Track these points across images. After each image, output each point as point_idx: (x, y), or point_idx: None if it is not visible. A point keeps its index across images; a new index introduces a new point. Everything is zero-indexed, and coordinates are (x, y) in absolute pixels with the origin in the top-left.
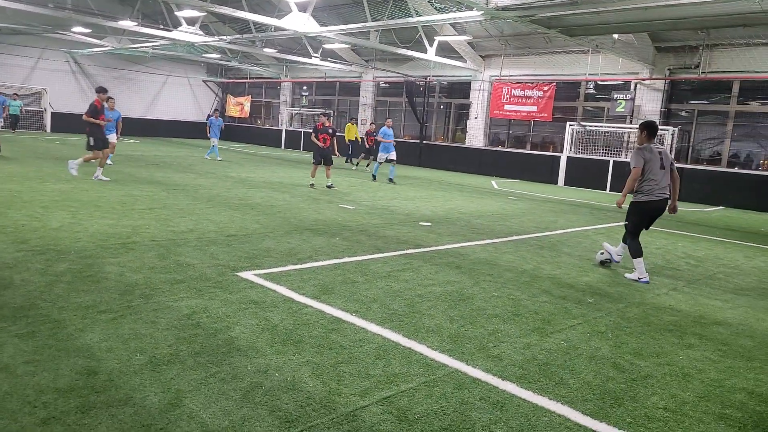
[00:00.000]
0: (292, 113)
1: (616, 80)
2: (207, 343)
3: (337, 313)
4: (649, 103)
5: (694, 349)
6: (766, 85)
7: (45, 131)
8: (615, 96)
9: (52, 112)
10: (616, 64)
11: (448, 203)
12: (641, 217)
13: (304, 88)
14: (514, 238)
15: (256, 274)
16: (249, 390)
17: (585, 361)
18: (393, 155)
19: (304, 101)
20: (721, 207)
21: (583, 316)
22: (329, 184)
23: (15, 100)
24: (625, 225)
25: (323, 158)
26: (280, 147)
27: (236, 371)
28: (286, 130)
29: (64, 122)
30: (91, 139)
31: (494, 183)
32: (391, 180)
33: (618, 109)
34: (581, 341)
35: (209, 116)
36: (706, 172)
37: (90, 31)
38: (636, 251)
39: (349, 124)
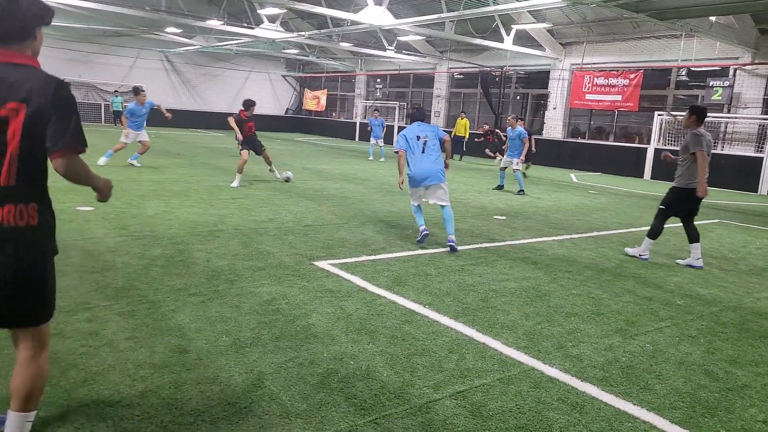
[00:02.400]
0: (366, 106)
1: (713, 66)
2: (286, 329)
3: (410, 305)
4: (750, 90)
5: None
6: None
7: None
8: (711, 83)
9: None
10: (713, 49)
11: (524, 197)
12: (682, 203)
13: (378, 80)
14: (595, 234)
15: (331, 264)
16: (325, 376)
17: (673, 367)
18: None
19: (378, 93)
20: None
21: (672, 319)
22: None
23: (117, 96)
24: (661, 209)
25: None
26: (354, 139)
27: (313, 357)
28: (360, 123)
29: (158, 117)
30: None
31: (573, 176)
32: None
33: (714, 98)
34: (669, 345)
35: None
36: None
37: (181, 31)
38: (656, 233)
39: (460, 118)
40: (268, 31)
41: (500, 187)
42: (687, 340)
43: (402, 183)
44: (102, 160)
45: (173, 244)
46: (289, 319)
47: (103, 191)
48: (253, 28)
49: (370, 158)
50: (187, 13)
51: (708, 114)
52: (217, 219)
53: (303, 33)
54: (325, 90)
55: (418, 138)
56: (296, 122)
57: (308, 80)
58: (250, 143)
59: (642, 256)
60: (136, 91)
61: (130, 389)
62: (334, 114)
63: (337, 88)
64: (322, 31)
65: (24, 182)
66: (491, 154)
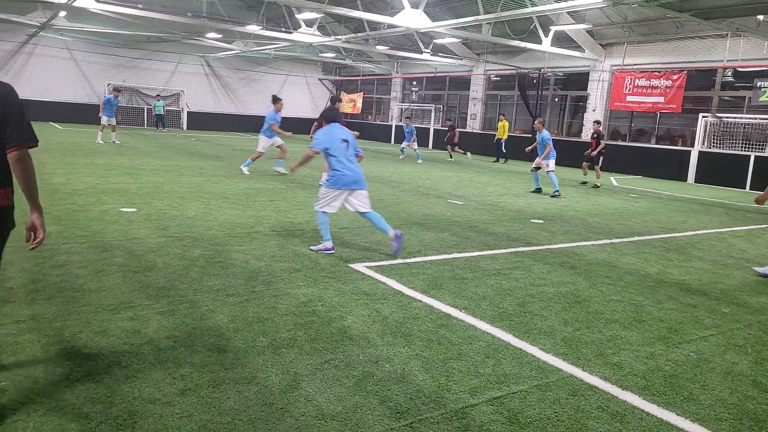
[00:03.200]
0: (401, 108)
1: (760, 66)
2: (322, 331)
3: (445, 309)
4: None
5: None
6: None
7: (182, 129)
8: (758, 84)
9: (188, 111)
10: (761, 48)
11: (561, 200)
12: None
13: (414, 83)
14: (636, 238)
15: (367, 266)
16: (361, 378)
17: (719, 377)
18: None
19: (414, 96)
20: None
21: (717, 327)
22: None
23: (159, 101)
24: None
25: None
26: (390, 142)
27: (349, 359)
28: (395, 126)
29: (199, 120)
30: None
31: (613, 179)
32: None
33: (762, 98)
34: (714, 354)
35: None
36: None
37: (221, 36)
38: None
39: (501, 121)
40: (306, 35)
41: (538, 190)
42: (733, 349)
43: (298, 167)
44: (245, 170)
45: (212, 245)
46: (325, 321)
47: (35, 221)
48: (290, 33)
49: (401, 156)
50: (227, 19)
51: (754, 116)
52: (254, 221)
53: (340, 36)
54: (362, 93)
55: (343, 141)
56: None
57: (344, 83)
58: None
59: None
60: (275, 99)
61: (170, 387)
62: (370, 117)
63: (373, 91)
64: (359, 34)
65: None
66: (460, 151)
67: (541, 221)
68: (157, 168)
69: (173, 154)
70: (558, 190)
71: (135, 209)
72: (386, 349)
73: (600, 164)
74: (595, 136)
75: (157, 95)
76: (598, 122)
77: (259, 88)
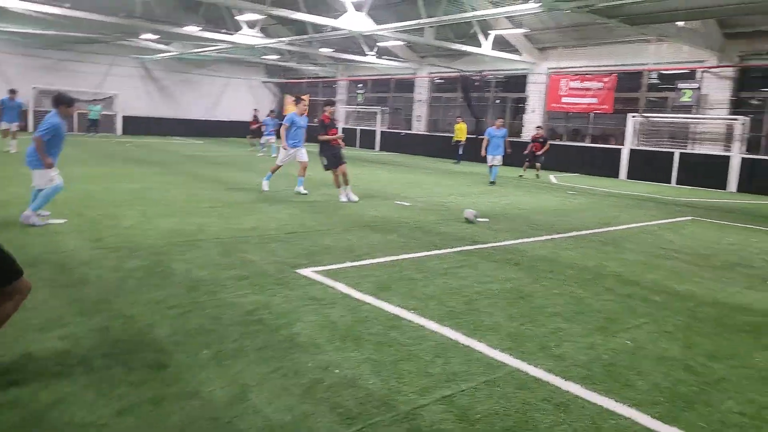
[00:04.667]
0: (347, 111)
1: (681, 69)
2: (269, 339)
3: (395, 311)
4: (717, 92)
5: None
6: None
7: (116, 134)
8: (679, 85)
9: (123, 116)
10: (681, 53)
11: (505, 198)
12: None
13: (360, 85)
14: (575, 234)
15: (315, 271)
16: (310, 386)
17: (653, 363)
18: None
19: (359, 98)
20: None
21: (650, 315)
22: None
23: (96, 105)
24: None
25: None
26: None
27: (298, 367)
28: (342, 128)
29: (135, 125)
30: (324, 158)
31: (553, 177)
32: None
33: (683, 99)
34: (648, 341)
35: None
36: None
37: (158, 37)
38: None
39: (459, 123)
40: (247, 37)
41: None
42: (665, 336)
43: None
44: (265, 185)
45: (151, 255)
46: (273, 328)
47: None
48: (231, 34)
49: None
50: (163, 20)
51: (676, 115)
52: (196, 228)
53: (283, 39)
54: (307, 95)
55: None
56: (277, 128)
57: (289, 86)
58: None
59: None
60: (298, 99)
61: (105, 409)
62: (316, 120)
63: (318, 93)
64: (302, 37)
65: None
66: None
67: (486, 220)
68: (89, 176)
69: (107, 161)
70: (493, 181)
71: (64, 220)
72: (336, 355)
73: (542, 162)
74: (541, 140)
75: (93, 99)
76: (540, 127)
77: (199, 91)
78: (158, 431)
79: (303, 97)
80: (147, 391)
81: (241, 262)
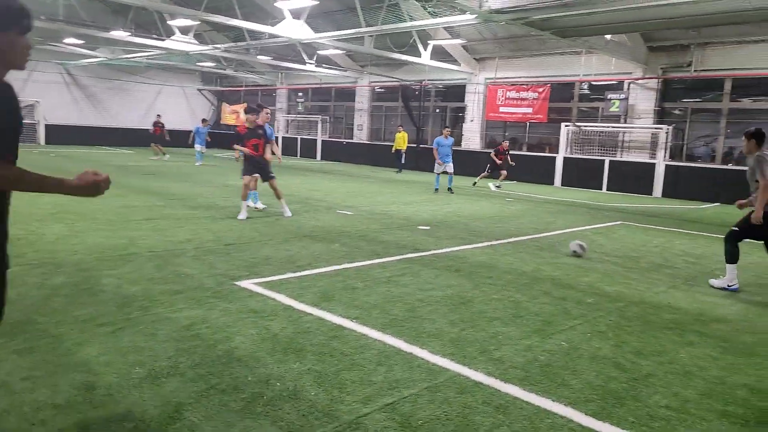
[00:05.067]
0: (288, 120)
1: (610, 80)
2: (207, 354)
3: (337, 320)
4: (643, 102)
5: (695, 346)
6: (757, 81)
7: (39, 143)
8: (609, 96)
9: (46, 124)
10: (610, 65)
11: (446, 206)
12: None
13: (300, 94)
14: (513, 239)
15: (255, 283)
16: (250, 401)
17: (586, 362)
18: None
19: (300, 107)
20: (716, 204)
21: (584, 317)
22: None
23: None
24: (734, 231)
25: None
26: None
27: (237, 382)
28: (282, 137)
29: (59, 134)
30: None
31: (491, 185)
32: (450, 189)
33: (612, 109)
34: (582, 341)
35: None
36: (700, 170)
37: (83, 42)
38: (734, 256)
39: (399, 132)
40: (181, 43)
41: (449, 190)
42: (597, 335)
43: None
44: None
45: (78, 271)
46: (210, 344)
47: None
48: (163, 40)
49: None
50: (88, 23)
51: (606, 125)
52: (128, 242)
53: (218, 46)
54: (245, 104)
55: None
56: (215, 138)
57: (226, 94)
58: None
59: (731, 287)
60: (256, 109)
61: None
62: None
63: (258, 102)
64: (239, 44)
65: None
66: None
67: (427, 227)
68: None
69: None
70: (437, 188)
71: None
72: (277, 367)
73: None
74: (507, 152)
75: None
76: (506, 141)
77: (131, 99)
78: None
79: (265, 107)
80: (74, 414)
81: (176, 276)
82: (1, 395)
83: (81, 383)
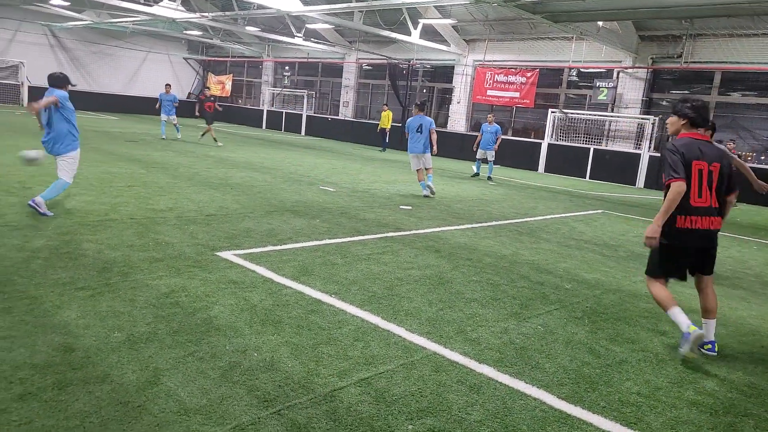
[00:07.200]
0: (273, 93)
1: (599, 68)
2: (185, 322)
3: (316, 295)
4: (631, 92)
5: (668, 336)
6: (747, 76)
7: (22, 105)
8: (597, 84)
9: (29, 86)
10: (600, 52)
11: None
12: None
13: (287, 68)
14: (494, 223)
15: (235, 254)
16: (227, 369)
17: (561, 346)
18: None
19: (286, 81)
20: None
21: (561, 302)
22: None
23: None
24: None
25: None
26: (261, 127)
27: (215, 350)
28: (267, 111)
29: (42, 96)
30: None
31: (475, 167)
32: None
33: (600, 97)
34: (558, 326)
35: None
36: None
37: (69, 3)
38: None
39: (384, 111)
40: (168, 9)
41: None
42: (573, 321)
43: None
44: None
45: (58, 235)
46: (189, 312)
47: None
48: (150, 5)
49: (163, 137)
50: None
51: (593, 113)
52: (109, 207)
53: (206, 14)
54: (231, 75)
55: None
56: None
57: (212, 64)
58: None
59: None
60: (422, 106)
61: (5, 393)
62: (240, 100)
63: (244, 73)
64: (227, 13)
65: None
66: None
67: (409, 207)
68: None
69: (9, 134)
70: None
71: None
72: (254, 338)
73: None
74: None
75: None
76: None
77: (115, 64)
78: (62, 417)
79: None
80: (52, 375)
81: (156, 244)
82: None
83: (59, 345)
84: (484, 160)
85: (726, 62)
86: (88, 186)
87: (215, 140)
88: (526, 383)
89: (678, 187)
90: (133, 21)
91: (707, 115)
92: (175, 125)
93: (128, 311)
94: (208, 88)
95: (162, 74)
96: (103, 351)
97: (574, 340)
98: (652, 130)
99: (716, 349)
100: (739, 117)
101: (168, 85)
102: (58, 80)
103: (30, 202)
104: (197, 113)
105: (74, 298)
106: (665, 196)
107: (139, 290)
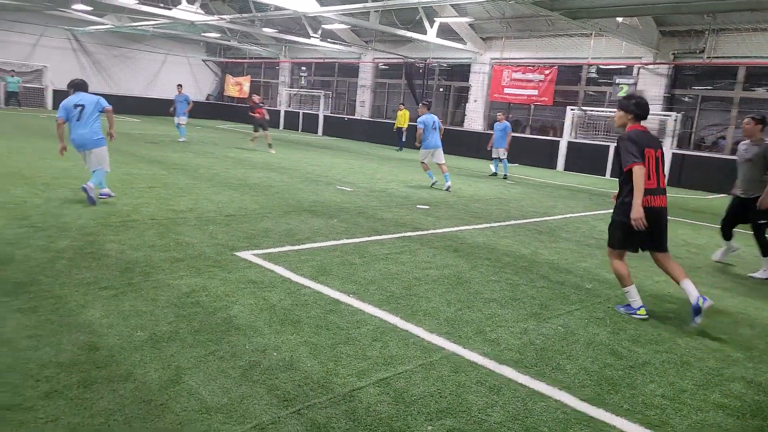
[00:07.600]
0: (290, 94)
1: (619, 65)
2: (206, 321)
3: (334, 295)
4: (652, 88)
5: (693, 337)
6: None
7: (46, 108)
8: (617, 80)
9: (53, 90)
10: (619, 48)
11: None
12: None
13: (303, 68)
14: (513, 222)
15: (254, 254)
16: (247, 368)
17: (582, 347)
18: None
19: (302, 81)
20: (723, 194)
21: (581, 302)
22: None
23: (12, 77)
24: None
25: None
26: (278, 128)
27: (235, 350)
28: (284, 111)
29: (66, 97)
30: None
31: (492, 167)
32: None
33: (620, 94)
34: (579, 327)
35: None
36: (708, 159)
37: (91, 8)
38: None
39: (401, 110)
40: (187, 12)
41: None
42: (595, 321)
43: (63, 149)
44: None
45: (82, 236)
46: (210, 311)
47: None
48: (170, 9)
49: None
50: None
51: (613, 110)
52: (131, 208)
53: (224, 16)
54: (248, 76)
55: (75, 106)
56: (217, 109)
57: (230, 66)
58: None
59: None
60: (429, 105)
61: (32, 391)
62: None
63: (261, 74)
64: (244, 15)
65: None
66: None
67: (426, 207)
68: (13, 151)
69: (34, 136)
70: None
71: None
72: (274, 338)
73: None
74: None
75: (12, 70)
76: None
77: (136, 67)
78: (88, 414)
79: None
80: (77, 373)
81: (177, 244)
82: (7, 352)
83: (84, 343)
84: (500, 159)
85: (750, 57)
86: (110, 187)
87: (270, 146)
88: (547, 385)
89: (640, 169)
90: (153, 24)
91: (648, 110)
92: (178, 125)
93: (150, 310)
94: (257, 94)
95: (181, 76)
96: (126, 350)
97: (595, 341)
98: (675, 126)
99: (707, 299)
100: (765, 112)
101: (180, 86)
102: (85, 85)
103: (101, 195)
104: (252, 115)
105: (98, 297)
106: (622, 182)
107: (160, 290)
